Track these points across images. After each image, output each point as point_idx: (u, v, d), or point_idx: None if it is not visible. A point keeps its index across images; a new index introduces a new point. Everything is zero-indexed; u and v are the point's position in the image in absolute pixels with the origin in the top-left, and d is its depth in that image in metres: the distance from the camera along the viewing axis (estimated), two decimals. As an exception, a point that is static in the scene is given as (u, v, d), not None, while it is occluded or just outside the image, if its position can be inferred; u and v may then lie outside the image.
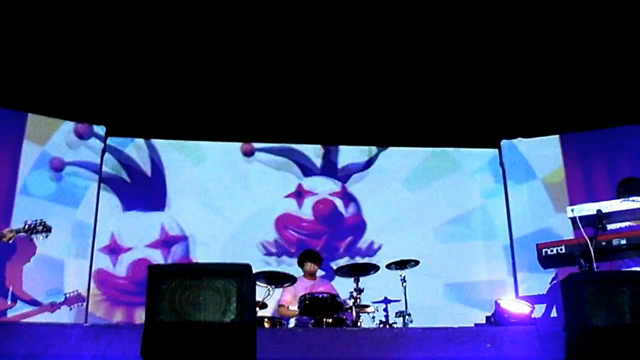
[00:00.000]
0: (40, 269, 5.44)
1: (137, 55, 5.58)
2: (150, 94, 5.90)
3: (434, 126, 6.21)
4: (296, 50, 5.60)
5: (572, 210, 3.60)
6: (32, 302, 5.01)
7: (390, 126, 6.24)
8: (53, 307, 4.96)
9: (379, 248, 6.24)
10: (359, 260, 5.98)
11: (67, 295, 4.95)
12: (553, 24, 5.29)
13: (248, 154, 6.41)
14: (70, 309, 4.93)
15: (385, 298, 4.61)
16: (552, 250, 3.64)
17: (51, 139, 5.88)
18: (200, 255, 6.05)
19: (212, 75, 5.83)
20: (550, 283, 4.82)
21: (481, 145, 6.48)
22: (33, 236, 4.28)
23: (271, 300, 4.43)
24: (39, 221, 4.31)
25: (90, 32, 5.33)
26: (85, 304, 5.14)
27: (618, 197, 3.79)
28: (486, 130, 6.27)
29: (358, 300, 4.30)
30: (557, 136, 6.25)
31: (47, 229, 4.26)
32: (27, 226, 4.25)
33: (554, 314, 4.70)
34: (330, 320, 4.14)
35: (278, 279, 4.40)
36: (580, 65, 5.60)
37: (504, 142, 6.42)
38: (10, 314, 4.92)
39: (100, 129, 6.11)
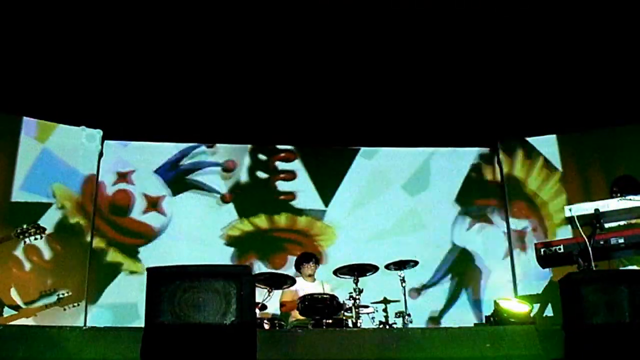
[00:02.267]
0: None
1: (134, 58, 5.57)
2: (147, 97, 5.88)
3: (432, 126, 6.22)
4: (293, 52, 5.59)
5: (570, 210, 3.62)
6: (16, 308, 4.96)
7: (387, 126, 6.24)
8: (47, 308, 4.92)
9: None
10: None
11: (60, 295, 4.92)
12: (551, 24, 5.31)
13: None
14: (65, 309, 4.89)
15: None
16: (550, 250, 3.66)
17: (47, 143, 5.86)
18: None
19: (208, 78, 5.83)
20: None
21: (479, 145, 6.50)
22: (27, 239, 4.29)
23: (271, 301, 4.42)
24: (31, 225, 4.32)
25: (86, 35, 5.31)
26: (79, 304, 5.08)
27: (612, 196, 3.82)
28: (484, 130, 6.28)
29: (358, 300, 4.31)
30: (555, 136, 6.28)
31: (40, 230, 4.28)
32: (19, 231, 4.26)
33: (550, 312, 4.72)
34: (330, 320, 4.14)
35: (278, 281, 4.40)
36: (578, 66, 5.61)
37: (501, 142, 6.44)
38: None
39: (96, 133, 6.09)
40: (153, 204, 6.11)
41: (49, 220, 5.55)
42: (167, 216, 6.09)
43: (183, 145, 6.33)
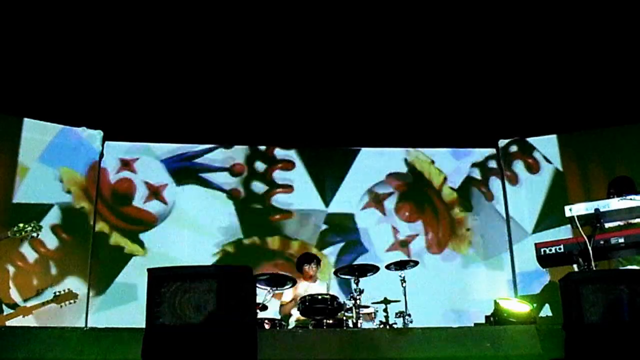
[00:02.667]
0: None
1: (134, 59, 5.59)
2: (148, 98, 5.90)
3: (431, 126, 6.23)
4: (294, 51, 5.61)
5: (570, 210, 3.62)
6: (12, 306, 4.99)
7: (387, 126, 6.25)
8: (44, 305, 4.93)
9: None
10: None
11: (57, 293, 4.95)
12: (551, 24, 5.32)
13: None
14: (61, 306, 4.91)
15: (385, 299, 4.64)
16: (550, 250, 3.66)
17: (48, 144, 5.87)
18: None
19: (208, 79, 5.84)
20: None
21: (479, 145, 6.50)
22: (24, 238, 4.33)
23: (271, 302, 4.43)
24: (27, 223, 4.36)
25: (86, 36, 5.34)
26: (76, 300, 5.10)
27: (608, 197, 3.82)
28: (484, 130, 6.29)
29: (358, 300, 4.31)
30: (555, 136, 6.28)
31: (37, 228, 4.31)
32: (15, 229, 4.30)
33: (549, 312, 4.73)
34: (331, 321, 4.15)
35: (278, 281, 4.41)
36: (578, 66, 5.62)
37: (501, 142, 6.44)
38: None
39: (97, 134, 6.11)
40: (155, 192, 6.17)
41: (50, 220, 5.62)
42: (169, 205, 6.15)
43: (187, 146, 6.34)
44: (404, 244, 6.15)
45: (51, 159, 5.87)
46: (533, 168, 6.21)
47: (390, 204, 6.28)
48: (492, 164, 6.50)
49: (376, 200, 6.23)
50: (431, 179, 6.39)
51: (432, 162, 6.42)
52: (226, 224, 6.15)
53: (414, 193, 6.34)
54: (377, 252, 6.08)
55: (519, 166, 6.27)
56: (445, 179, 6.37)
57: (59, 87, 5.66)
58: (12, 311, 4.84)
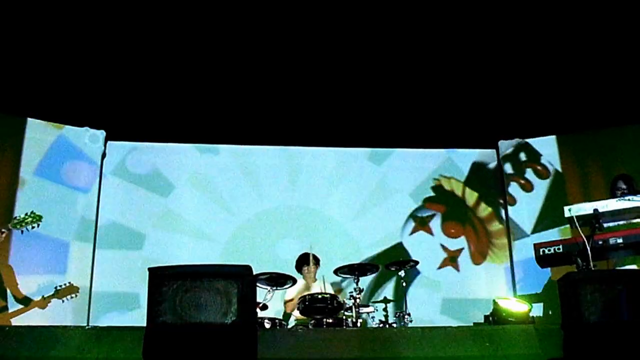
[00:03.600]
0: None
1: (136, 59, 5.61)
2: (150, 98, 5.92)
3: (431, 127, 6.24)
4: (296, 51, 5.63)
5: (569, 210, 3.64)
6: (23, 300, 4.99)
7: (386, 127, 6.26)
8: (45, 301, 4.92)
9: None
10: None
11: (58, 287, 4.95)
12: (550, 25, 5.33)
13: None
14: (63, 301, 4.90)
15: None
16: (549, 250, 3.68)
17: (51, 144, 5.91)
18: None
19: (210, 79, 5.87)
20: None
21: (479, 146, 6.52)
22: (24, 229, 4.34)
23: (272, 301, 4.44)
24: (27, 213, 4.37)
25: (89, 36, 5.36)
26: (76, 295, 5.08)
27: (615, 193, 3.83)
28: (484, 131, 6.30)
29: (358, 300, 4.33)
30: (554, 137, 6.29)
31: (36, 218, 4.32)
32: (15, 221, 4.31)
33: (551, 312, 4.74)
34: (331, 320, 4.16)
35: (278, 281, 4.42)
36: (577, 67, 5.63)
37: (501, 143, 6.45)
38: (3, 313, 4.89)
39: (100, 134, 6.14)
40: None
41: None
42: None
43: (185, 146, 6.37)
44: (453, 259, 6.14)
45: (54, 159, 5.90)
46: (543, 175, 6.23)
47: (435, 224, 6.28)
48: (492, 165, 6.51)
49: (422, 223, 6.27)
50: (464, 197, 6.38)
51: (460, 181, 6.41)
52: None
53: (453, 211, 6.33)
54: (428, 271, 6.02)
55: (529, 173, 6.26)
56: (479, 196, 6.36)
57: (62, 87, 5.68)
58: (21, 306, 4.85)
